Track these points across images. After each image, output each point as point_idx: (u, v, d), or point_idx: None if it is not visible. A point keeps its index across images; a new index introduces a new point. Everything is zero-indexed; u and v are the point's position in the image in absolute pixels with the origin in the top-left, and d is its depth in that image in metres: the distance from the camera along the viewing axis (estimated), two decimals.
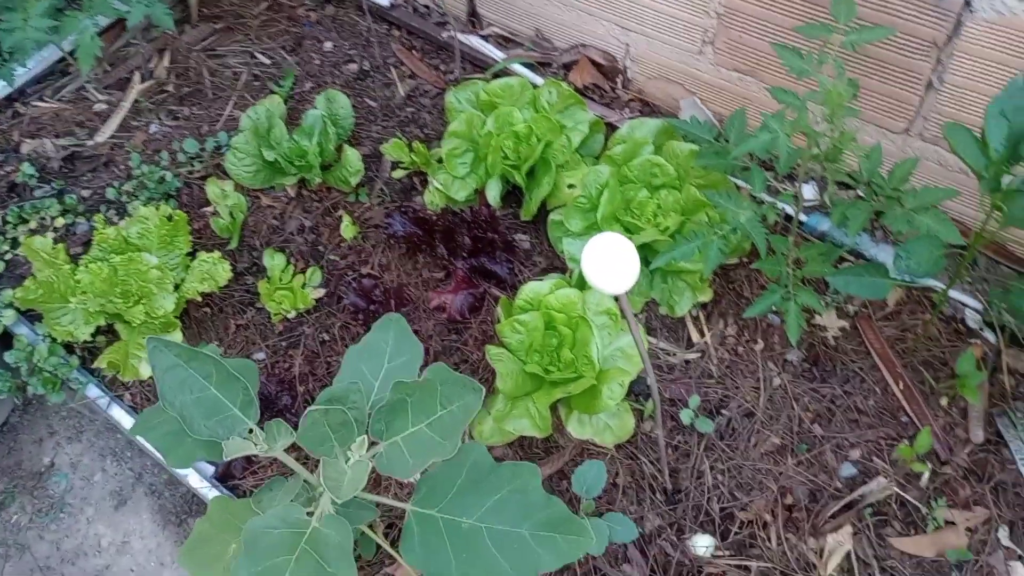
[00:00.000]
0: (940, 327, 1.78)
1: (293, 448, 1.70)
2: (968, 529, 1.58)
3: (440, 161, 2.03)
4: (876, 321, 1.80)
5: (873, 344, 1.77)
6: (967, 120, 1.63)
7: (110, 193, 2.14)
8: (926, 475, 1.64)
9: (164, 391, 1.22)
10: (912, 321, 1.80)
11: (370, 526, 1.55)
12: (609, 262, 1.08)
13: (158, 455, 1.58)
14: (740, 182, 1.93)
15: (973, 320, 1.77)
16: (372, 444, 1.18)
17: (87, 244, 2.05)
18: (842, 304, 1.83)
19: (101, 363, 1.81)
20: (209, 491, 1.78)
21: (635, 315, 1.89)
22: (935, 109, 1.72)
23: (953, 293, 1.80)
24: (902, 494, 1.63)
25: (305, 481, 1.24)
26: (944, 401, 1.70)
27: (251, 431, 1.20)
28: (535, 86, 2.06)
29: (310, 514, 1.18)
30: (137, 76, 2.36)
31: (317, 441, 1.14)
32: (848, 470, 1.67)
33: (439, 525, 1.18)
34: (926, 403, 1.70)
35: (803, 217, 1.93)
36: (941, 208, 1.76)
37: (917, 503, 1.62)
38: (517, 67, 2.24)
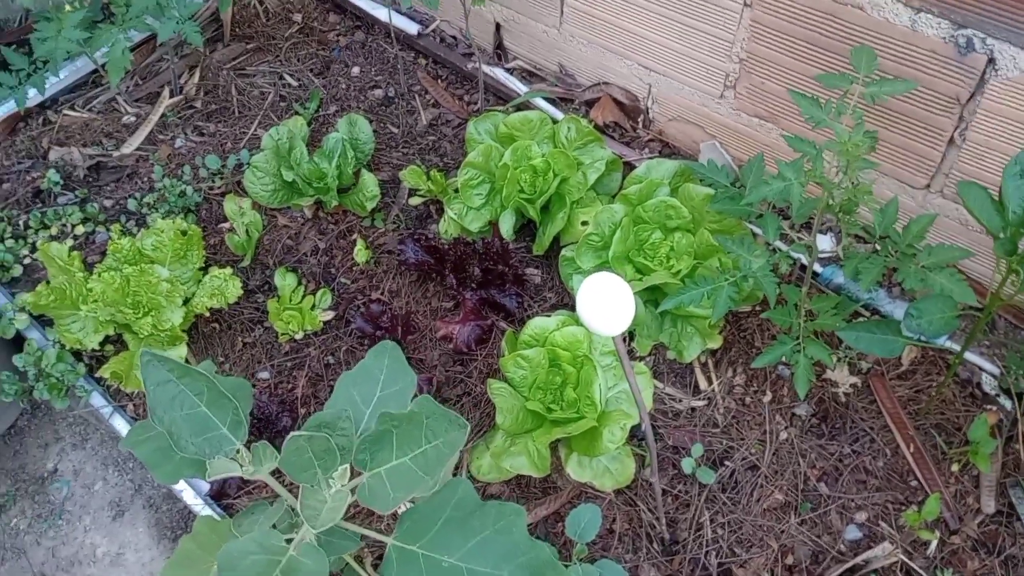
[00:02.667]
0: (955, 390, 1.73)
1: (282, 472, 1.69)
2: None
3: (456, 191, 2.03)
4: (889, 380, 1.76)
5: (885, 403, 1.73)
6: (989, 180, 1.60)
7: (131, 204, 2.17)
8: (934, 544, 1.58)
9: (154, 406, 1.21)
10: (926, 382, 1.75)
11: (357, 557, 1.53)
12: (604, 303, 1.06)
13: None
14: (756, 229, 1.90)
15: (989, 385, 1.72)
16: (356, 474, 1.16)
17: (104, 253, 2.07)
18: (855, 360, 1.79)
19: (105, 372, 1.82)
20: (203, 508, 1.77)
21: (643, 358, 1.86)
22: (956, 166, 1.68)
23: (971, 356, 1.75)
24: (908, 562, 1.57)
25: (289, 507, 1.22)
26: (955, 467, 1.65)
27: (238, 452, 1.19)
28: (555, 121, 2.06)
29: (290, 541, 1.16)
30: (167, 91, 2.40)
31: (300, 468, 1.13)
32: (853, 533, 1.62)
33: (419, 562, 1.15)
34: (937, 468, 1.65)
35: (819, 268, 1.90)
36: (959, 268, 1.73)
37: (923, 572, 1.56)
38: (539, 101, 2.25)
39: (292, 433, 1.09)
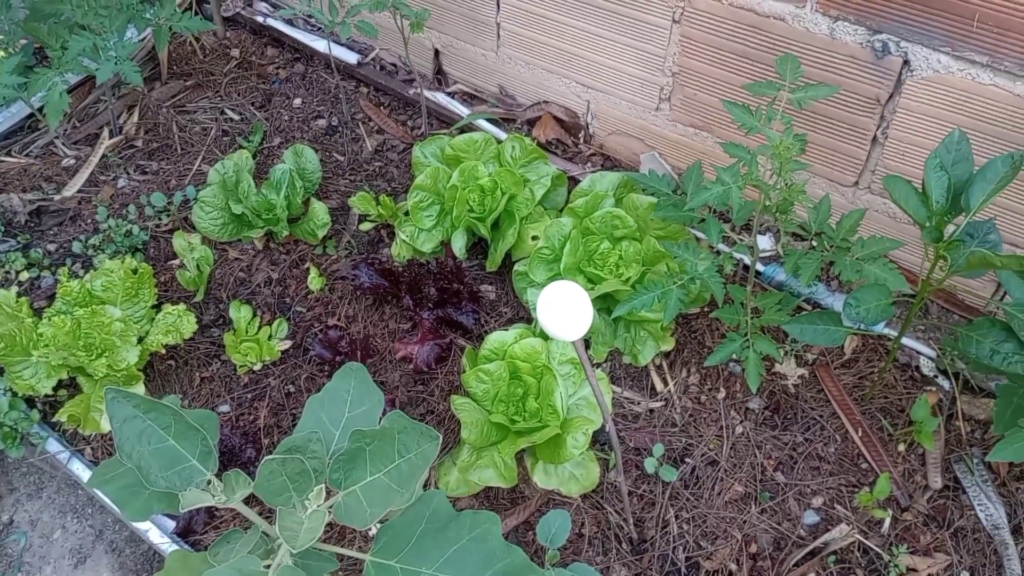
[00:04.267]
0: (896, 375, 1.82)
1: (254, 501, 1.68)
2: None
3: (407, 214, 2.06)
4: (834, 369, 1.84)
5: (832, 392, 1.81)
6: (911, 173, 1.70)
7: (76, 247, 2.14)
8: (887, 522, 1.66)
9: (121, 442, 1.21)
10: (869, 369, 1.83)
11: None
12: (563, 309, 1.10)
13: (119, 510, 1.56)
14: (700, 233, 1.98)
15: (927, 367, 1.81)
16: (331, 494, 1.18)
17: (52, 298, 2.04)
18: (801, 352, 1.86)
19: (62, 416, 1.80)
20: (169, 547, 1.75)
21: (599, 364, 1.91)
22: (881, 163, 1.78)
23: (908, 341, 1.84)
24: (864, 541, 1.64)
25: (264, 533, 1.23)
26: (902, 447, 1.73)
27: (209, 482, 1.20)
28: (499, 141, 2.11)
29: (268, 567, 1.17)
30: (106, 132, 2.38)
31: (275, 492, 1.14)
32: (811, 517, 1.68)
33: None
34: (885, 450, 1.73)
35: (761, 267, 1.98)
36: (891, 258, 1.82)
37: (879, 550, 1.63)
38: (482, 123, 2.30)
39: (266, 458, 1.10)
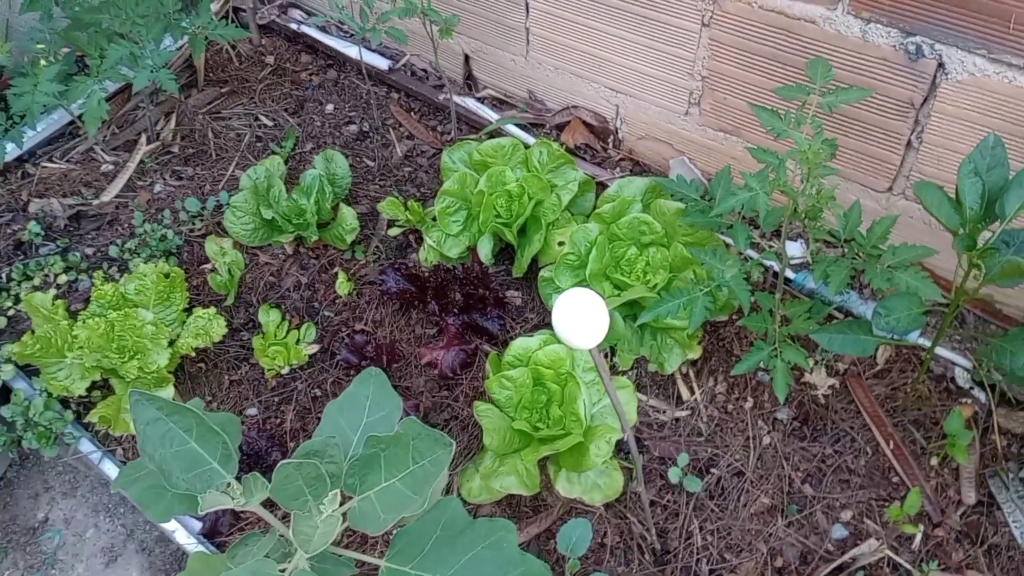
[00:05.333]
0: (931, 386, 1.77)
1: (276, 505, 1.70)
2: None
3: (434, 219, 2.07)
4: (866, 379, 1.80)
5: (863, 403, 1.76)
6: (947, 179, 1.65)
7: (113, 251, 2.19)
8: (918, 537, 1.61)
9: (145, 444, 1.23)
10: (902, 379, 1.79)
11: None
12: (579, 317, 1.09)
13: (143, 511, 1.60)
14: (728, 240, 1.95)
15: (963, 379, 1.76)
16: (347, 499, 1.18)
17: (88, 301, 2.08)
18: (832, 362, 1.83)
19: (93, 417, 1.83)
20: (196, 547, 1.77)
21: (625, 372, 1.89)
22: (916, 168, 1.74)
23: (944, 352, 1.79)
24: (894, 557, 1.60)
25: (281, 536, 1.24)
26: (935, 461, 1.68)
27: (229, 485, 1.21)
28: (527, 146, 2.10)
29: (283, 570, 1.17)
30: (144, 138, 2.43)
31: (291, 495, 1.14)
32: (839, 532, 1.65)
33: None
34: (917, 463, 1.68)
35: (792, 275, 1.94)
36: (927, 266, 1.78)
37: (909, 566, 1.59)
38: (511, 128, 2.30)
39: (281, 462, 1.11)
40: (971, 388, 1.75)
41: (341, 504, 1.17)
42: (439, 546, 1.19)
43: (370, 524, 1.13)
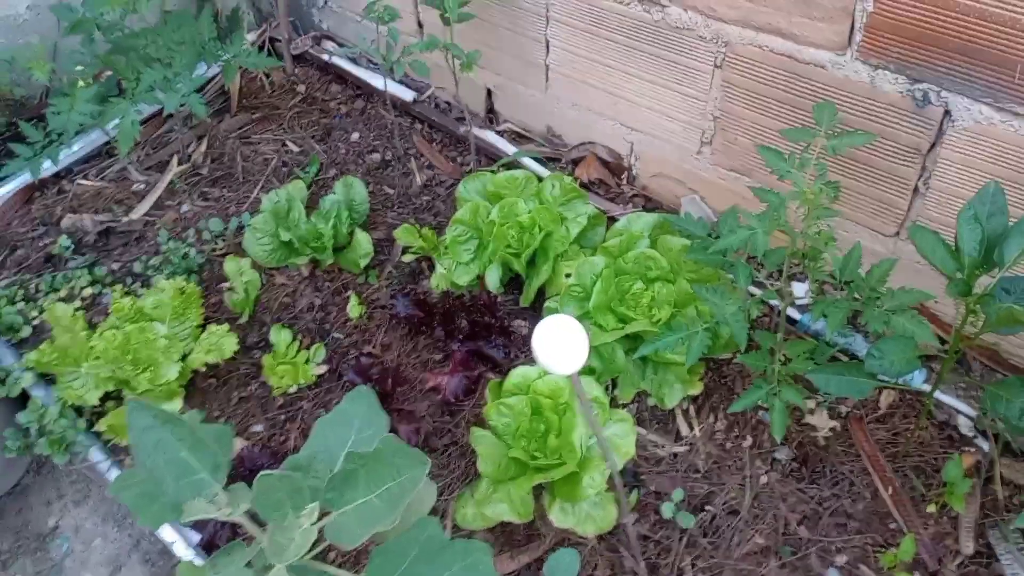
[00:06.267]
0: (933, 432, 1.75)
1: None
2: None
3: (447, 247, 2.11)
4: (867, 423, 1.78)
5: (864, 446, 1.74)
6: (953, 225, 1.64)
7: (137, 267, 2.26)
8: None
9: (139, 451, 1.26)
10: (904, 425, 1.77)
11: None
12: (558, 343, 1.11)
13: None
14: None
15: (966, 427, 1.73)
16: (326, 513, 1.21)
17: (109, 314, 2.15)
18: (834, 404, 1.81)
19: (102, 426, 1.88)
20: (195, 559, 1.80)
21: (626, 405, 1.89)
22: (923, 213, 1.73)
23: (948, 399, 1.77)
24: None
25: (262, 547, 1.26)
26: (933, 509, 1.65)
27: (216, 495, 1.24)
28: (540, 179, 2.14)
29: None
30: (175, 159, 2.52)
31: (272, 506, 1.17)
32: None
33: None
34: (916, 510, 1.65)
35: (798, 315, 1.93)
36: (931, 310, 1.76)
37: None
38: (528, 161, 2.34)
39: (261, 473, 1.14)
40: (974, 437, 1.72)
41: (321, 518, 1.19)
42: (416, 564, 1.20)
43: (345, 538, 1.15)
